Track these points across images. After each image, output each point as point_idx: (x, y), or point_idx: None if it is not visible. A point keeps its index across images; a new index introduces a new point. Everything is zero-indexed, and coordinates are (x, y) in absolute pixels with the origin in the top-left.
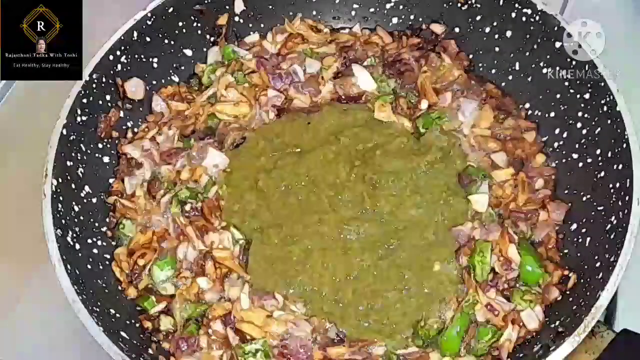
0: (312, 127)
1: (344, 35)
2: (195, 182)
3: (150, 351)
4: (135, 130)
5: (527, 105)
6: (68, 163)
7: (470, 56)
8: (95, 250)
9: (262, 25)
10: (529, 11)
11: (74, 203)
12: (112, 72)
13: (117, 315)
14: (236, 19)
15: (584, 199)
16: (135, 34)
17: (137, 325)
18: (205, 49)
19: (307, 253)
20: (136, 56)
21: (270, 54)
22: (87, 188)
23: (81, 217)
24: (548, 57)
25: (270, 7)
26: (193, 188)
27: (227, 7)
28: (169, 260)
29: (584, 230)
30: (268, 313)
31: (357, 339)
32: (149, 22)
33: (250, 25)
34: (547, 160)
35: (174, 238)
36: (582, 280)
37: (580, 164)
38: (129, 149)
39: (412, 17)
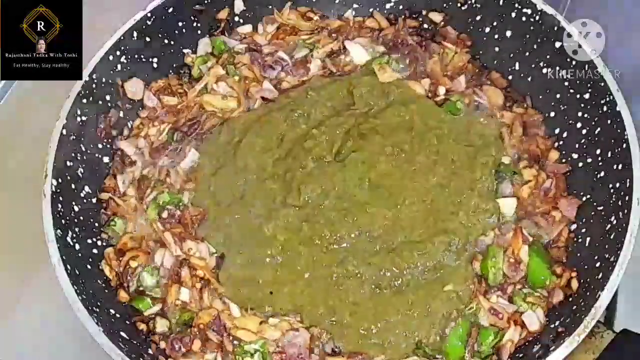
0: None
1: (335, 21)
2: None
3: (150, 351)
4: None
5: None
6: (68, 163)
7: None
8: (95, 250)
9: (257, 17)
10: (529, 11)
11: (74, 203)
12: (112, 72)
13: (117, 315)
14: (236, 18)
15: (584, 199)
16: (135, 34)
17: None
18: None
19: (276, 281)
20: (136, 56)
21: (261, 45)
22: (87, 188)
23: (81, 217)
24: (548, 57)
25: (270, 7)
26: (175, 193)
27: (227, 7)
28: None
29: (584, 230)
30: (262, 320)
31: (357, 352)
32: (149, 22)
33: (247, 20)
34: (560, 157)
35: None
36: (582, 280)
37: (580, 164)
38: (124, 145)
39: (410, 5)
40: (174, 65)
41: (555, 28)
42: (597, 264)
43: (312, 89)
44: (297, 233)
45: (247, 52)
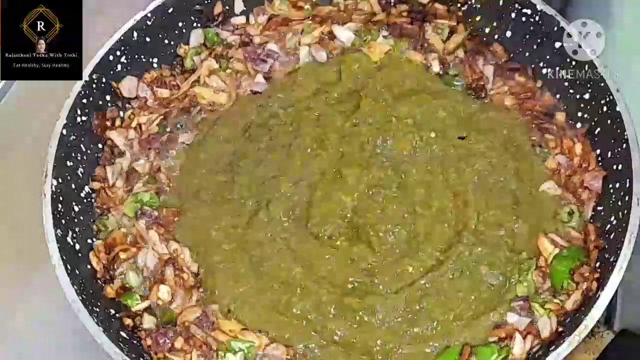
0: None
1: (325, 7)
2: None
3: None
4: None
5: None
6: (68, 163)
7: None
8: None
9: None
10: (529, 11)
11: (74, 203)
12: (111, 72)
13: (117, 315)
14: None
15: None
16: (135, 34)
17: None
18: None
19: (234, 297)
20: (136, 56)
21: (253, 36)
22: (87, 188)
23: (81, 217)
24: (548, 57)
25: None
26: (157, 193)
27: (227, 7)
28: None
29: None
30: (244, 326)
31: None
32: (149, 23)
33: (243, 13)
34: (568, 119)
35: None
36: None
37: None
38: (114, 135)
39: None
40: (173, 64)
41: (555, 28)
42: (597, 264)
43: (302, 75)
44: (238, 240)
45: (240, 47)
